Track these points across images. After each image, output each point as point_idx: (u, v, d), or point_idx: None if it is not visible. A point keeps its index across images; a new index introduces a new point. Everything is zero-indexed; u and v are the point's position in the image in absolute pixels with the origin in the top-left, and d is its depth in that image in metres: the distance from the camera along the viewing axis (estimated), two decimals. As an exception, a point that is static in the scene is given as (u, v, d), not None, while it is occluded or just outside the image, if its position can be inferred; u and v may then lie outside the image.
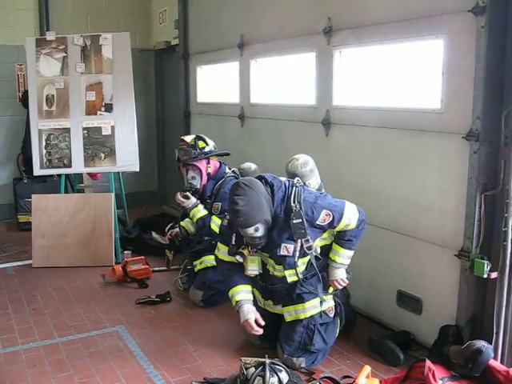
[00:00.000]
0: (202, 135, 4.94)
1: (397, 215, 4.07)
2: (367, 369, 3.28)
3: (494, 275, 3.39)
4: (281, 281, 3.65)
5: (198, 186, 4.84)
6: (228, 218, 3.62)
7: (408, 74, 4.04)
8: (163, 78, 8.49)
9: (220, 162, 4.95)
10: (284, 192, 3.49)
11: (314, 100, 4.84)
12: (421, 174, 3.86)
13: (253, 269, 3.67)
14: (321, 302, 3.66)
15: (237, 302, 3.68)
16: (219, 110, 6.59)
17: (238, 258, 3.64)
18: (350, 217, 3.55)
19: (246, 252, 3.61)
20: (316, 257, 3.62)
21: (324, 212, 3.48)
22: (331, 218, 3.49)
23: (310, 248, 3.50)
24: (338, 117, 4.56)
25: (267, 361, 3.17)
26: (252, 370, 3.17)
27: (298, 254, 3.50)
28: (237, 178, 4.79)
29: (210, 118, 6.81)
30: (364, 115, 4.31)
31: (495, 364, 3.30)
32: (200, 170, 4.81)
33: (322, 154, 4.71)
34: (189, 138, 4.86)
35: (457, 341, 3.53)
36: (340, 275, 3.68)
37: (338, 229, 3.58)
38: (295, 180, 3.61)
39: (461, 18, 3.41)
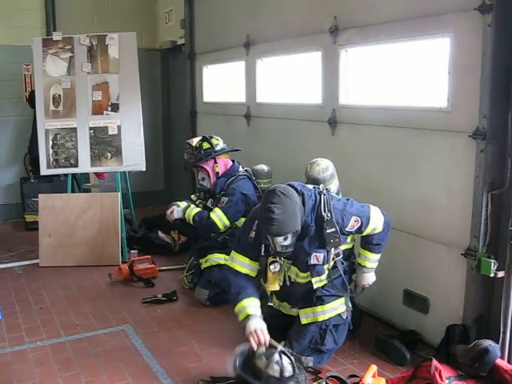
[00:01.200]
0: (209, 135, 4.96)
1: (403, 214, 4.06)
2: (373, 368, 3.28)
3: (500, 274, 3.37)
4: (304, 287, 3.63)
5: (209, 187, 4.88)
6: (255, 229, 3.49)
7: (414, 73, 4.03)
8: (169, 78, 8.50)
9: (233, 160, 4.98)
10: (314, 201, 3.44)
11: (320, 99, 4.83)
12: (427, 173, 3.85)
13: (274, 286, 3.57)
14: (345, 301, 3.69)
15: (249, 315, 3.42)
16: (225, 109, 6.60)
17: (273, 269, 3.49)
18: (377, 221, 3.57)
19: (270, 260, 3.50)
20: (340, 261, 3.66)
21: (353, 218, 3.49)
22: (359, 224, 3.51)
23: (338, 255, 3.54)
24: (344, 116, 4.56)
25: (280, 347, 3.20)
26: (262, 349, 3.22)
27: (327, 261, 3.52)
28: (249, 177, 4.83)
29: (216, 118, 6.82)
30: (370, 114, 4.30)
31: (502, 363, 3.28)
32: (207, 171, 4.84)
33: (327, 154, 4.68)
34: (195, 141, 4.92)
35: (463, 340, 3.52)
36: (370, 279, 3.78)
37: (365, 233, 3.60)
38: (321, 187, 3.57)
39: (467, 16, 3.40)
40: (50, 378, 3.56)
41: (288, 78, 5.51)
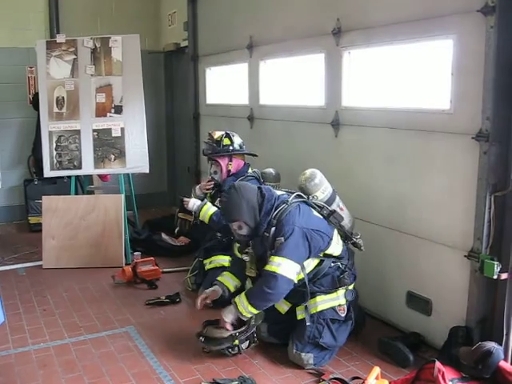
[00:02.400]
0: (232, 133, 5.01)
1: (406, 216, 4.06)
2: (376, 370, 3.27)
3: (504, 276, 3.37)
4: None
5: (219, 181, 4.95)
6: None
7: (417, 75, 4.03)
8: (172, 80, 8.51)
9: (245, 162, 5.02)
10: (272, 205, 3.70)
11: (322, 101, 4.84)
12: (430, 175, 3.84)
13: (250, 272, 3.93)
14: (339, 296, 3.75)
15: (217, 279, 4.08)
16: (228, 111, 6.61)
17: (244, 258, 3.90)
18: (284, 267, 3.53)
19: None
20: (321, 260, 3.75)
21: (279, 240, 3.58)
22: (279, 246, 3.59)
23: None
24: (347, 118, 4.56)
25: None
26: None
27: None
28: (257, 179, 4.84)
29: (219, 120, 6.82)
30: (373, 116, 4.30)
31: (505, 365, 3.27)
32: (221, 166, 4.89)
33: (331, 155, 4.71)
34: (217, 134, 4.97)
35: (467, 342, 3.51)
36: (228, 314, 3.79)
37: (269, 258, 3.62)
38: (292, 197, 3.76)
39: (470, 18, 3.40)
40: (53, 379, 3.57)
41: (291, 80, 5.52)
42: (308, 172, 3.99)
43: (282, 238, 3.57)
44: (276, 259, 3.54)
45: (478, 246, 3.48)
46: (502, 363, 3.27)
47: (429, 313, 3.95)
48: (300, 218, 3.64)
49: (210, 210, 4.74)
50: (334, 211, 3.87)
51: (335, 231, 3.84)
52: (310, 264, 3.71)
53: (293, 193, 3.84)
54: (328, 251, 3.76)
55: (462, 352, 3.41)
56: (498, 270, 3.35)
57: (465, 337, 3.56)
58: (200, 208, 4.75)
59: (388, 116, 4.15)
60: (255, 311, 3.67)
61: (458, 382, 3.28)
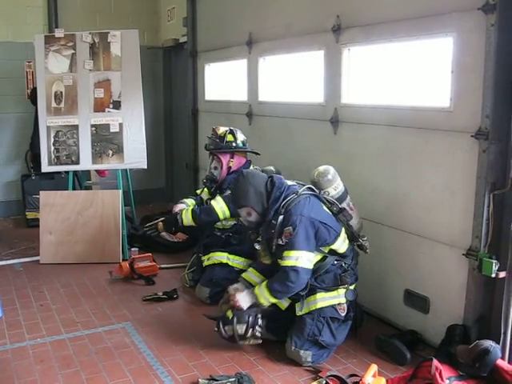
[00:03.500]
0: (236, 129, 4.98)
1: (405, 214, 4.06)
2: (374, 368, 3.28)
3: (502, 275, 3.37)
4: None
5: (218, 177, 4.91)
6: None
7: (417, 72, 4.02)
8: (171, 76, 8.49)
9: (246, 159, 4.99)
10: (281, 193, 3.73)
11: (322, 98, 4.83)
12: (429, 173, 3.84)
13: (265, 259, 3.96)
14: (339, 295, 3.75)
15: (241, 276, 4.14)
16: (227, 107, 6.59)
17: (256, 246, 3.94)
18: (302, 259, 3.57)
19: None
20: (324, 256, 3.75)
21: (288, 230, 3.61)
22: (287, 240, 3.62)
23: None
24: (347, 115, 4.55)
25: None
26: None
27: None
28: None
29: (217, 116, 6.81)
30: (372, 113, 4.29)
31: (503, 364, 3.27)
32: (222, 163, 4.86)
33: (329, 152, 4.70)
34: (221, 130, 4.93)
35: (464, 340, 3.52)
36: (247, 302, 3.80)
37: (284, 254, 3.63)
38: (304, 189, 3.78)
39: (470, 15, 3.39)
40: (50, 375, 3.56)
41: (290, 77, 5.50)
42: (322, 168, 3.99)
43: (291, 228, 3.59)
44: (293, 253, 3.57)
45: (476, 244, 3.48)
46: (500, 362, 3.27)
47: (426, 311, 3.95)
48: (308, 208, 3.67)
49: (187, 211, 4.76)
50: (344, 209, 3.88)
51: (343, 229, 3.84)
52: (313, 259, 3.71)
53: (304, 185, 3.84)
54: (333, 246, 3.76)
55: (459, 350, 3.41)
56: (496, 268, 3.35)
57: (462, 335, 3.56)
58: (180, 214, 4.76)
59: (387, 113, 4.14)
60: (276, 301, 3.75)
61: (455, 380, 3.28)
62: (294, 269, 3.56)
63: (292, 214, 3.63)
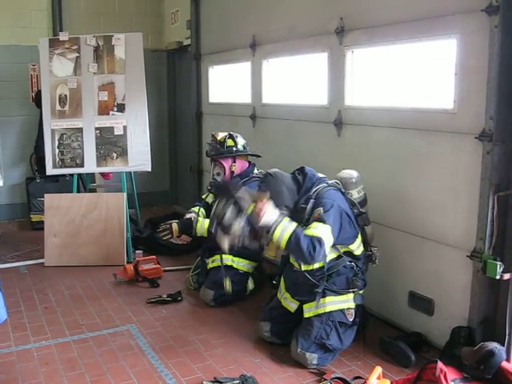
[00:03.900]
0: (235, 133, 4.98)
1: (409, 215, 4.06)
2: (378, 370, 3.27)
3: (506, 276, 3.36)
4: (303, 277, 3.73)
5: (221, 183, 4.88)
6: None
7: (420, 74, 4.02)
8: (175, 78, 8.51)
9: (250, 162, 4.99)
10: (312, 184, 3.75)
11: (325, 100, 4.83)
12: (433, 175, 3.84)
13: (272, 252, 3.88)
14: (349, 299, 3.74)
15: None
16: (231, 110, 6.60)
17: None
18: (320, 231, 3.51)
19: None
20: (339, 255, 3.74)
21: (318, 211, 3.60)
22: (318, 216, 3.60)
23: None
24: (350, 117, 4.55)
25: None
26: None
27: None
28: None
29: (221, 118, 6.82)
30: (376, 115, 4.29)
31: (507, 366, 3.26)
32: (224, 168, 4.86)
33: (333, 154, 4.71)
34: (220, 135, 4.92)
35: (469, 342, 3.51)
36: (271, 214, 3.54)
37: (312, 224, 3.57)
38: (333, 181, 3.82)
39: (474, 17, 3.39)
40: (54, 377, 3.57)
41: (294, 79, 5.51)
42: (348, 170, 4.01)
43: (321, 209, 3.58)
44: (321, 226, 3.51)
45: (480, 245, 3.47)
46: (504, 364, 3.27)
47: (431, 313, 3.94)
48: (339, 198, 3.71)
49: (204, 222, 4.72)
50: (364, 213, 3.91)
51: (359, 233, 3.85)
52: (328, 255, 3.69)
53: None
54: (351, 247, 3.76)
55: (464, 352, 3.41)
56: (501, 270, 3.34)
57: (467, 337, 3.55)
58: (195, 224, 4.73)
59: (391, 115, 4.14)
60: (283, 247, 3.52)
61: (460, 383, 3.28)
62: (319, 239, 3.48)
63: (324, 198, 3.63)
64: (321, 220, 3.55)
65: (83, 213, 5.85)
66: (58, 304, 4.78)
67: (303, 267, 3.73)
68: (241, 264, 4.81)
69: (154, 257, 5.49)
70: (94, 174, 7.03)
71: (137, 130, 6.08)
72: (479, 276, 3.49)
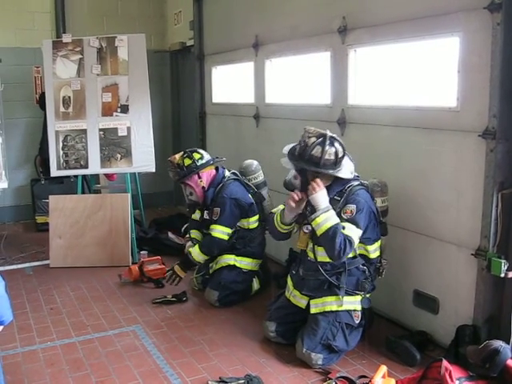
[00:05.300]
0: (191, 150, 4.93)
1: (413, 214, 4.05)
2: (383, 369, 3.27)
3: (511, 274, 3.36)
4: (316, 272, 3.75)
5: (197, 200, 4.89)
6: None
7: (423, 73, 4.02)
8: (178, 79, 8.52)
9: (217, 168, 4.94)
10: (348, 180, 3.75)
11: (329, 99, 4.83)
12: (436, 173, 3.83)
13: (303, 244, 3.87)
14: (356, 301, 3.75)
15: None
16: (234, 110, 6.60)
17: (304, 228, 3.79)
18: (353, 233, 3.58)
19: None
20: (354, 256, 3.74)
21: (351, 207, 3.64)
22: (349, 215, 3.62)
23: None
24: (354, 116, 4.55)
25: (328, 133, 3.59)
26: (313, 139, 3.60)
27: None
28: (237, 180, 4.87)
29: (225, 118, 6.83)
30: (379, 114, 4.29)
31: (513, 364, 3.27)
32: (193, 187, 4.84)
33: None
34: (176, 158, 4.87)
35: (474, 341, 3.51)
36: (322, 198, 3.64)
37: (345, 224, 3.61)
38: (363, 182, 3.86)
39: (476, 15, 3.38)
40: (60, 378, 3.58)
41: (297, 79, 5.51)
42: (377, 179, 4.01)
43: (354, 207, 3.63)
44: (354, 228, 3.59)
45: (485, 244, 3.47)
46: (510, 362, 3.25)
47: (436, 311, 3.93)
48: (370, 200, 3.75)
49: (194, 251, 4.74)
50: (385, 222, 3.94)
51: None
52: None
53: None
54: (369, 248, 3.77)
55: (469, 351, 3.40)
56: (505, 268, 3.34)
57: (472, 335, 3.55)
58: (191, 255, 4.77)
59: (394, 114, 4.14)
60: (318, 233, 3.59)
61: (465, 381, 3.27)
62: (351, 241, 3.54)
63: (358, 196, 3.67)
64: (354, 222, 3.60)
65: (88, 214, 5.87)
66: (64, 305, 4.79)
67: (319, 258, 3.73)
68: (244, 263, 4.82)
69: (158, 257, 5.49)
70: (98, 175, 7.04)
71: (141, 131, 6.09)
72: (484, 274, 3.49)
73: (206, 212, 4.90)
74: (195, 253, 4.75)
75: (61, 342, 4.08)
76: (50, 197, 6.01)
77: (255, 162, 5.10)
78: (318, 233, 3.58)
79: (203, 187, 4.83)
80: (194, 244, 4.89)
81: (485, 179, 3.43)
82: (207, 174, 4.88)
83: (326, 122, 4.82)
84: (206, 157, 4.91)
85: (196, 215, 5.09)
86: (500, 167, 3.35)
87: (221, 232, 4.70)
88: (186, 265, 4.83)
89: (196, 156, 4.84)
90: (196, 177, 4.82)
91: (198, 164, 4.81)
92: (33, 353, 3.92)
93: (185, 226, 5.44)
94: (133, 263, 5.67)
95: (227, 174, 4.94)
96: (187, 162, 4.81)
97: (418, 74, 4.06)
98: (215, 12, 6.91)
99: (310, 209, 3.69)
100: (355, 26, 4.42)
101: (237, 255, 4.78)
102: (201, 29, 7.23)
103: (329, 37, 4.70)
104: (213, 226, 4.74)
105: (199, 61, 7.32)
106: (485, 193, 3.44)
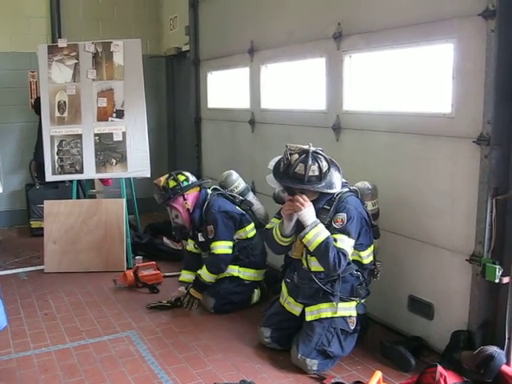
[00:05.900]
0: (177, 172, 4.91)
1: (407, 220, 4.06)
2: (378, 374, 3.26)
3: (505, 280, 3.36)
4: (310, 281, 3.74)
5: (184, 223, 4.83)
6: None
7: (418, 79, 4.03)
8: (174, 84, 8.52)
9: (200, 188, 4.90)
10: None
11: (324, 105, 4.84)
12: (431, 179, 3.84)
13: (298, 254, 3.87)
14: (351, 307, 3.76)
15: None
16: (230, 115, 6.61)
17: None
18: (346, 245, 3.59)
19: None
20: (348, 262, 3.70)
21: (341, 216, 3.63)
22: (339, 226, 3.62)
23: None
24: (349, 122, 4.56)
25: (311, 149, 3.57)
26: (296, 156, 3.58)
27: None
28: (222, 194, 4.86)
29: (220, 124, 6.83)
30: (374, 120, 4.30)
31: (507, 370, 3.26)
32: (179, 210, 4.80)
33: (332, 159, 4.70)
34: (162, 181, 4.84)
35: (469, 346, 3.51)
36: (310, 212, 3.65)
37: (337, 236, 3.61)
38: (352, 188, 3.87)
39: (471, 21, 3.40)
40: (54, 384, 3.57)
41: (292, 84, 5.52)
42: (366, 181, 4.02)
43: (345, 215, 3.62)
44: (346, 239, 3.59)
45: (479, 249, 3.48)
46: (504, 367, 3.26)
47: (430, 317, 3.94)
48: (360, 206, 3.76)
49: (204, 275, 4.67)
50: (376, 226, 3.95)
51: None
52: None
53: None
54: (362, 254, 3.77)
55: (463, 356, 3.40)
56: (500, 273, 3.34)
57: (467, 341, 3.55)
58: (203, 279, 4.70)
59: (389, 120, 4.15)
60: (310, 248, 3.61)
61: (460, 387, 3.28)
62: (344, 254, 3.55)
63: (347, 203, 3.67)
64: (346, 232, 3.60)
65: (83, 219, 5.86)
66: (58, 310, 4.78)
67: (312, 268, 3.73)
68: (247, 274, 4.79)
69: (153, 263, 5.48)
70: (93, 180, 7.04)
71: (136, 136, 6.09)
72: (478, 280, 3.49)
73: (199, 235, 4.83)
74: (205, 275, 4.67)
75: (55, 348, 4.07)
76: (45, 202, 6.00)
77: (233, 172, 5.08)
78: (311, 249, 3.61)
79: (188, 209, 4.78)
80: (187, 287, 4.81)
81: (479, 185, 3.44)
82: (192, 196, 4.82)
83: (320, 128, 4.84)
84: (192, 179, 4.88)
85: (190, 246, 5.01)
86: (494, 173, 3.36)
87: (222, 247, 4.65)
88: (200, 287, 4.72)
89: (181, 178, 4.81)
90: (181, 199, 4.77)
91: (183, 186, 4.77)
92: (27, 358, 3.91)
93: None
94: (128, 268, 5.66)
95: (209, 191, 4.89)
96: (172, 183, 4.77)
97: (413, 80, 4.07)
98: (211, 17, 6.92)
99: (297, 225, 3.70)
100: (350, 32, 4.44)
101: (240, 266, 4.75)
102: (196, 34, 7.24)
103: (324, 43, 4.71)
104: (213, 245, 4.68)
105: (195, 66, 7.32)
106: (479, 199, 3.45)
